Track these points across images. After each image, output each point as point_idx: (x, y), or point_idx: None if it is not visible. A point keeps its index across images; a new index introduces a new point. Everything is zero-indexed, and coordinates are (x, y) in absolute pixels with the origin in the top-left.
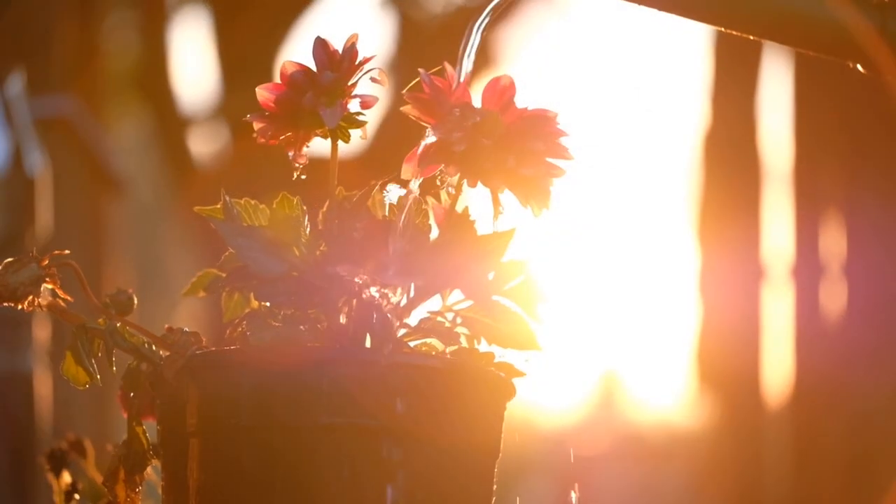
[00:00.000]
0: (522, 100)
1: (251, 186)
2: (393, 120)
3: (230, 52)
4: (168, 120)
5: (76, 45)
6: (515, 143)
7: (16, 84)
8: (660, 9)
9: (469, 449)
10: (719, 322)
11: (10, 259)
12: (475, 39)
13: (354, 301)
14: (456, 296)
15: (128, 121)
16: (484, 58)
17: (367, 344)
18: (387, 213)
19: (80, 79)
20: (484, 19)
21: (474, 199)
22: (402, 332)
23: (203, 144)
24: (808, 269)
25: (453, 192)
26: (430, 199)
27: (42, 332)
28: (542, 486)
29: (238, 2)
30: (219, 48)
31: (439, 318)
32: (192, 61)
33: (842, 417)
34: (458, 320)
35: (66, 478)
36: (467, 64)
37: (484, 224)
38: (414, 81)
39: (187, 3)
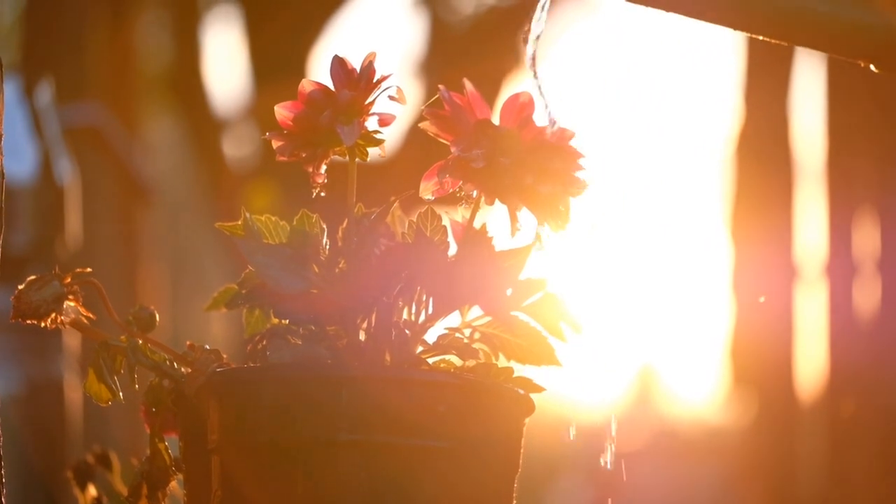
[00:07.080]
0: (545, 112)
1: (285, 190)
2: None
3: (261, 54)
4: (200, 124)
5: (106, 53)
6: (534, 161)
7: (45, 93)
8: (676, 12)
9: (488, 464)
10: (754, 319)
11: (33, 277)
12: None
13: (373, 318)
14: (475, 312)
15: (159, 126)
16: (514, 58)
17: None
18: (406, 230)
19: (110, 87)
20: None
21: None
22: (420, 348)
23: (236, 147)
24: (841, 266)
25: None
26: (449, 216)
27: (72, 340)
28: (578, 482)
29: (269, 3)
30: (250, 50)
31: (457, 335)
32: (224, 65)
33: (875, 413)
34: (477, 336)
35: (92, 491)
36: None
37: (503, 240)
38: (433, 98)
39: (217, 7)
